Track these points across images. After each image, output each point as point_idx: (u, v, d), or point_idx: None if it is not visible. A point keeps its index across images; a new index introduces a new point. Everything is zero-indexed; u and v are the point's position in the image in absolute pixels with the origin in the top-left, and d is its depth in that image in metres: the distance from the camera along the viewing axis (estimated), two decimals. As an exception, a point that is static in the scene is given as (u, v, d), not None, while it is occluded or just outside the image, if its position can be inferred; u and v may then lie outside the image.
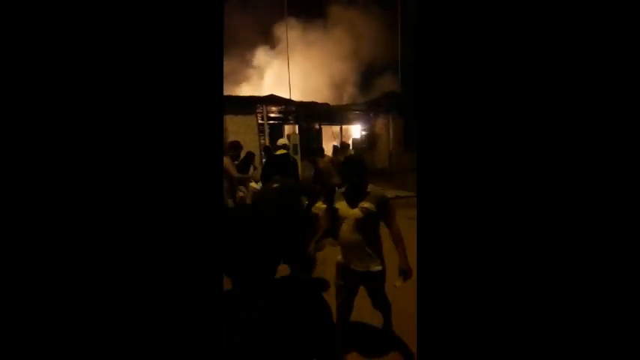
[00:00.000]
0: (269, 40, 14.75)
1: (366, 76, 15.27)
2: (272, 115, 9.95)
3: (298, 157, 8.16)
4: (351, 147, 9.50)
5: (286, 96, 10.54)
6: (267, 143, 9.36)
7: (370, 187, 1.89)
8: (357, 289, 1.97)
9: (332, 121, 11.28)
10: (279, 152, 3.86)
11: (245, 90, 13.84)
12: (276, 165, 3.57)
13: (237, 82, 14.61)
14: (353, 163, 1.92)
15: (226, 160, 3.53)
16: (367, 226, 1.84)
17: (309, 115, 10.51)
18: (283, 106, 10.11)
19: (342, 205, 1.90)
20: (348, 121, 11.63)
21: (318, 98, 11.91)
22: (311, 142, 10.28)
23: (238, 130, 8.84)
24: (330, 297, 1.89)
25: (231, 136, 8.48)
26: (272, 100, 9.90)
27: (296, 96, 11.26)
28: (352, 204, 1.86)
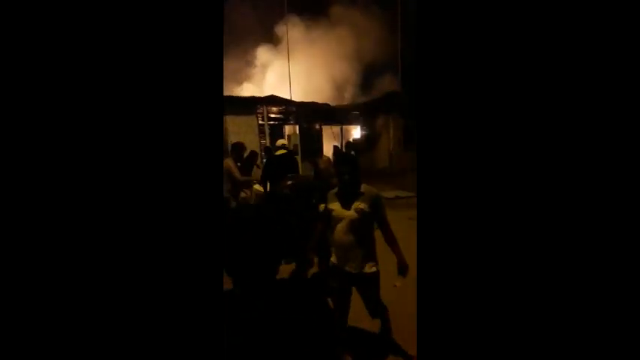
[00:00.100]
0: (271, 38, 14.75)
1: (367, 76, 15.28)
2: (272, 115, 9.96)
3: (299, 158, 8.16)
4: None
5: (288, 95, 10.56)
6: (268, 144, 9.36)
7: (364, 187, 1.85)
8: (351, 291, 1.94)
9: (332, 121, 11.28)
10: (279, 152, 3.85)
11: (247, 88, 13.86)
12: (276, 165, 3.56)
13: (240, 81, 14.62)
14: (346, 163, 1.87)
15: (229, 163, 3.50)
16: (362, 226, 1.81)
17: (310, 116, 10.51)
18: (284, 107, 10.12)
19: (335, 206, 1.86)
20: (349, 121, 11.64)
21: (319, 98, 11.92)
22: (311, 142, 10.29)
23: (239, 130, 8.85)
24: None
25: (231, 137, 8.49)
26: (272, 100, 9.92)
27: (297, 95, 11.27)
28: (346, 204, 1.82)
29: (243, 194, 3.88)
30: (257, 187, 3.94)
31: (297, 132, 10.44)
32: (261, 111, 9.69)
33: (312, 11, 14.88)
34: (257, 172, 4.43)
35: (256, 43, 15.03)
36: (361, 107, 11.65)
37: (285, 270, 2.69)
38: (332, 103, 11.81)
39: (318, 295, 0.80)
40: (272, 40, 14.72)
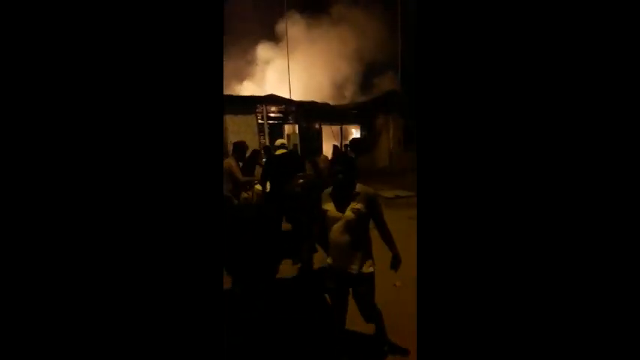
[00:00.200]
0: (272, 36, 14.71)
1: (366, 76, 15.26)
2: (272, 114, 9.95)
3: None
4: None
5: (288, 93, 10.54)
6: (267, 143, 9.35)
7: (359, 187, 1.82)
8: (348, 291, 1.92)
9: (332, 121, 11.27)
10: (279, 152, 3.84)
11: (248, 87, 13.83)
12: (276, 165, 3.54)
13: (240, 80, 14.59)
14: (340, 162, 1.84)
15: (231, 162, 3.46)
16: (358, 227, 1.79)
17: (309, 115, 10.51)
18: (283, 106, 10.11)
19: (330, 207, 1.83)
20: (348, 121, 11.63)
21: (319, 97, 11.91)
22: (311, 141, 10.28)
23: (238, 129, 8.84)
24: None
25: (230, 136, 8.47)
26: (272, 99, 9.90)
27: (297, 94, 11.26)
28: (341, 205, 1.80)
29: (244, 194, 3.87)
30: (258, 187, 3.92)
31: (297, 131, 10.43)
32: (260, 110, 9.68)
33: (313, 9, 14.88)
34: (259, 172, 4.40)
35: (257, 41, 15.01)
36: (361, 107, 11.64)
37: (286, 270, 2.69)
38: (332, 103, 11.80)
39: (318, 295, 0.80)
40: (273, 38, 14.70)
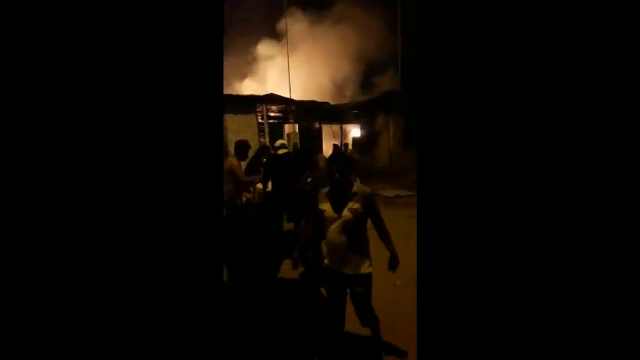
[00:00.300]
0: (273, 34, 14.69)
1: (367, 75, 15.25)
2: (272, 114, 9.94)
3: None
4: (350, 146, 9.50)
5: (289, 92, 10.54)
6: (268, 142, 9.34)
7: (356, 186, 1.80)
8: (346, 292, 1.89)
9: (332, 120, 11.27)
10: (280, 152, 3.83)
11: (250, 85, 13.82)
12: (279, 165, 3.53)
13: (241, 78, 14.58)
14: (338, 162, 1.80)
15: (233, 161, 3.44)
16: (355, 227, 1.76)
17: (309, 114, 10.50)
18: (283, 105, 10.11)
19: (327, 207, 1.81)
20: (348, 120, 11.63)
21: (319, 96, 11.91)
22: (311, 141, 10.28)
23: (238, 129, 8.83)
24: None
25: (230, 135, 8.47)
26: (272, 99, 9.90)
27: (297, 93, 11.25)
28: (338, 205, 1.77)
29: (246, 195, 3.85)
30: (260, 186, 3.91)
31: (297, 131, 10.43)
32: (260, 109, 9.67)
33: (314, 7, 14.87)
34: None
35: (258, 39, 14.99)
36: (361, 106, 11.64)
37: (287, 270, 2.68)
38: (332, 102, 11.80)
39: (318, 295, 0.80)
40: (274, 35, 14.68)
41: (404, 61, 12.38)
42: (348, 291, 1.88)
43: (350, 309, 1.91)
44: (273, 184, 3.51)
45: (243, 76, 14.62)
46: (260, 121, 9.66)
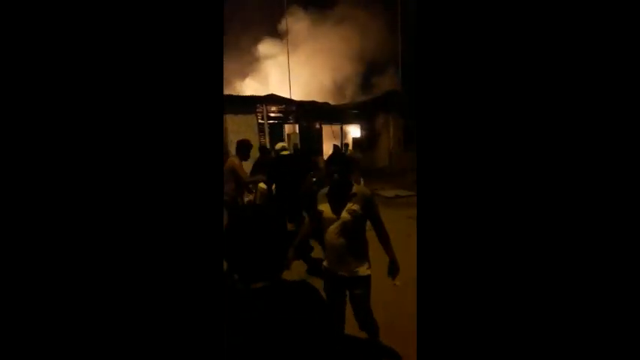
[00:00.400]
0: (275, 33, 14.67)
1: (367, 75, 15.25)
2: (272, 114, 9.95)
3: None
4: (350, 146, 9.50)
5: (289, 92, 10.55)
6: (268, 142, 9.36)
7: (356, 188, 1.77)
8: (345, 294, 1.86)
9: (332, 121, 11.28)
10: (283, 153, 3.84)
11: (251, 84, 13.82)
12: (283, 166, 3.55)
13: (244, 77, 14.56)
14: (336, 162, 1.77)
15: (235, 161, 3.44)
16: (354, 228, 1.73)
17: (309, 115, 10.51)
18: (283, 106, 10.11)
19: (326, 207, 1.78)
20: (349, 121, 11.64)
21: (320, 96, 11.91)
22: (311, 141, 10.29)
23: (238, 129, 8.84)
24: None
25: (231, 136, 8.48)
26: (272, 99, 9.91)
27: (297, 93, 11.25)
28: (337, 206, 1.74)
29: (247, 195, 3.86)
30: (262, 185, 3.90)
31: (297, 131, 10.43)
32: (260, 110, 9.68)
33: (316, 6, 14.86)
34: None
35: (260, 38, 14.98)
36: (361, 106, 11.65)
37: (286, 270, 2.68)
38: (332, 102, 11.80)
39: (318, 296, 0.80)
40: (276, 35, 14.66)
41: (404, 61, 12.39)
42: (348, 293, 1.86)
43: (350, 311, 1.89)
44: (276, 186, 3.51)
45: (244, 76, 14.63)
46: (260, 121, 9.67)
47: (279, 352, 0.70)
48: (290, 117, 10.30)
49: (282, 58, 12.49)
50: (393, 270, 1.80)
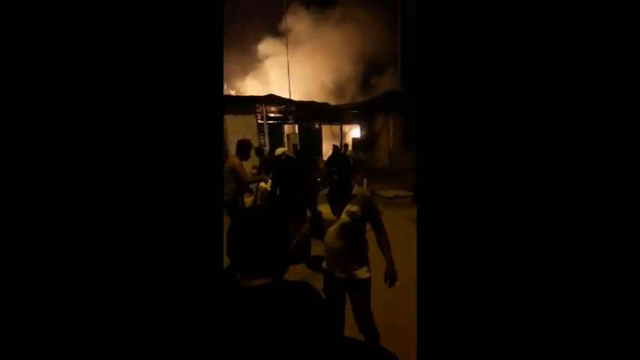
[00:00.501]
0: (277, 32, 14.64)
1: (367, 76, 15.24)
2: (271, 114, 9.95)
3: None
4: (350, 146, 9.50)
5: (289, 92, 10.54)
6: (267, 143, 9.36)
7: (356, 189, 1.75)
8: (344, 296, 1.82)
9: (332, 121, 11.27)
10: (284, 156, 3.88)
11: (252, 84, 13.79)
12: (284, 170, 3.57)
13: (245, 76, 14.52)
14: (336, 163, 1.76)
15: (235, 161, 3.43)
16: (354, 230, 1.71)
17: (309, 115, 10.51)
18: (283, 106, 10.11)
19: (326, 208, 1.76)
20: (348, 121, 11.64)
21: (320, 96, 11.90)
22: (311, 141, 10.28)
23: (238, 129, 8.84)
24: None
25: (230, 136, 8.48)
26: (272, 99, 9.90)
27: (297, 93, 11.24)
28: (337, 207, 1.72)
29: (248, 195, 3.86)
30: (263, 185, 3.91)
31: (297, 131, 10.43)
32: (260, 110, 9.67)
33: (317, 4, 14.83)
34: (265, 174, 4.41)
35: (261, 37, 14.93)
36: (361, 106, 11.64)
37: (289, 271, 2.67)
38: (332, 102, 11.80)
39: (318, 296, 0.80)
40: (277, 34, 14.63)
41: (404, 61, 12.38)
42: (348, 295, 1.83)
43: (350, 313, 1.87)
44: (280, 188, 3.53)
45: (245, 75, 14.59)
46: (260, 121, 9.66)
47: (279, 352, 0.70)
48: (289, 117, 10.29)
49: (284, 58, 12.51)
50: (390, 276, 1.76)
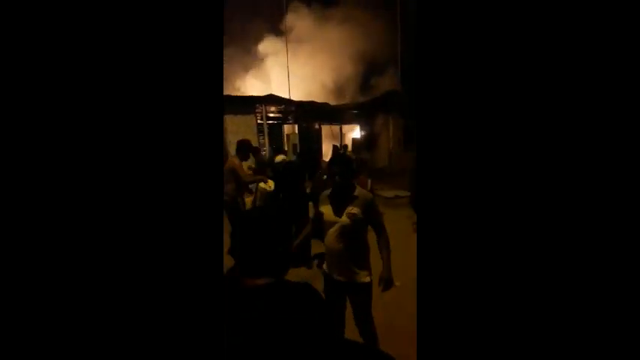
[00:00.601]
0: (278, 31, 14.59)
1: (366, 76, 15.21)
2: (271, 114, 9.94)
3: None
4: (350, 147, 9.50)
5: (289, 92, 10.53)
6: (267, 143, 9.36)
7: (358, 191, 1.72)
8: (345, 299, 1.79)
9: (332, 121, 11.27)
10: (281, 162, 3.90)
11: (253, 83, 13.76)
12: (286, 174, 3.59)
13: (246, 75, 14.49)
14: (339, 163, 1.73)
15: (235, 161, 3.44)
16: (354, 233, 1.68)
17: (309, 115, 10.50)
18: (283, 106, 10.10)
19: (327, 209, 1.72)
20: (348, 121, 11.63)
21: (320, 95, 11.89)
22: (311, 141, 10.28)
23: (237, 129, 8.83)
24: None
25: (230, 136, 8.48)
26: (271, 99, 9.90)
27: (297, 93, 11.22)
28: (338, 208, 1.69)
29: (248, 195, 3.87)
30: (262, 185, 3.91)
31: (297, 131, 10.42)
32: (260, 110, 9.67)
33: (319, 2, 14.78)
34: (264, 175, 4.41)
35: (262, 36, 14.88)
36: (361, 106, 11.64)
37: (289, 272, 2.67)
38: (332, 102, 11.79)
39: (319, 298, 0.80)
40: (279, 33, 14.60)
41: (404, 61, 12.38)
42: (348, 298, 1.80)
43: (350, 315, 1.85)
44: (282, 190, 3.55)
45: (246, 74, 14.55)
46: (259, 121, 9.65)
47: (279, 352, 0.70)
48: (289, 117, 10.29)
49: (283, 57, 12.48)
50: (385, 280, 1.71)
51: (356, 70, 15.16)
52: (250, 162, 4.35)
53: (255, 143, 9.05)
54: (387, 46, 13.53)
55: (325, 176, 3.02)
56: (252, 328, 0.72)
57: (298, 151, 9.13)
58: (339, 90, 14.65)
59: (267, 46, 14.74)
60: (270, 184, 3.72)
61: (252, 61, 14.84)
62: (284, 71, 12.18)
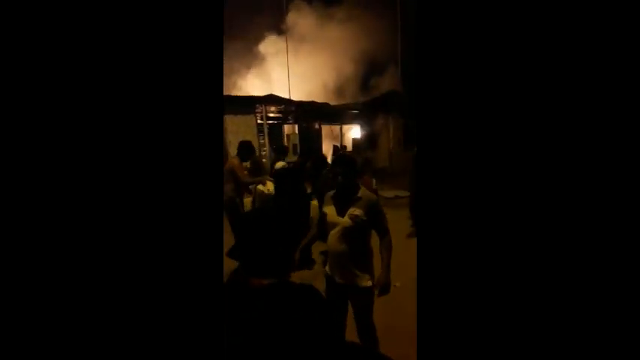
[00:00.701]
0: (279, 30, 14.56)
1: (366, 76, 15.20)
2: (271, 114, 9.93)
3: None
4: (350, 147, 9.49)
5: (290, 92, 10.52)
6: (267, 143, 9.35)
7: (362, 192, 1.68)
8: (346, 302, 1.76)
9: (332, 121, 11.26)
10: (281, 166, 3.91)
11: (254, 83, 13.74)
12: (285, 178, 3.60)
13: (246, 74, 14.45)
14: (341, 163, 1.70)
15: (235, 162, 3.44)
16: (357, 235, 1.65)
17: (309, 115, 10.49)
18: (283, 106, 10.09)
19: (330, 210, 1.70)
20: (348, 121, 11.63)
21: (321, 95, 11.88)
22: (311, 141, 10.27)
23: (237, 130, 8.82)
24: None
25: (230, 136, 8.47)
26: (271, 99, 9.89)
27: (297, 93, 11.21)
28: (341, 209, 1.66)
29: (247, 195, 3.87)
30: (260, 187, 3.91)
31: (297, 131, 10.42)
32: (260, 110, 9.66)
33: (319, 1, 14.77)
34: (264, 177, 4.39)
35: (264, 35, 14.85)
36: (361, 107, 11.64)
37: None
38: (332, 102, 11.79)
39: (321, 299, 0.80)
40: (281, 32, 14.57)
41: (404, 61, 12.38)
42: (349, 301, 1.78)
43: (351, 317, 1.83)
44: (282, 194, 3.55)
45: (247, 73, 14.52)
46: (259, 121, 9.65)
47: (279, 353, 0.70)
48: (289, 117, 10.28)
49: (284, 56, 12.45)
50: (381, 284, 1.67)
51: (356, 70, 15.15)
52: (247, 163, 4.35)
53: (255, 143, 9.04)
54: (387, 46, 13.53)
55: (331, 175, 3.04)
56: (253, 329, 0.72)
57: (298, 151, 9.11)
58: (339, 90, 14.64)
59: (268, 45, 14.73)
60: (269, 187, 3.71)
61: (252, 60, 14.82)
62: (284, 71, 12.16)
